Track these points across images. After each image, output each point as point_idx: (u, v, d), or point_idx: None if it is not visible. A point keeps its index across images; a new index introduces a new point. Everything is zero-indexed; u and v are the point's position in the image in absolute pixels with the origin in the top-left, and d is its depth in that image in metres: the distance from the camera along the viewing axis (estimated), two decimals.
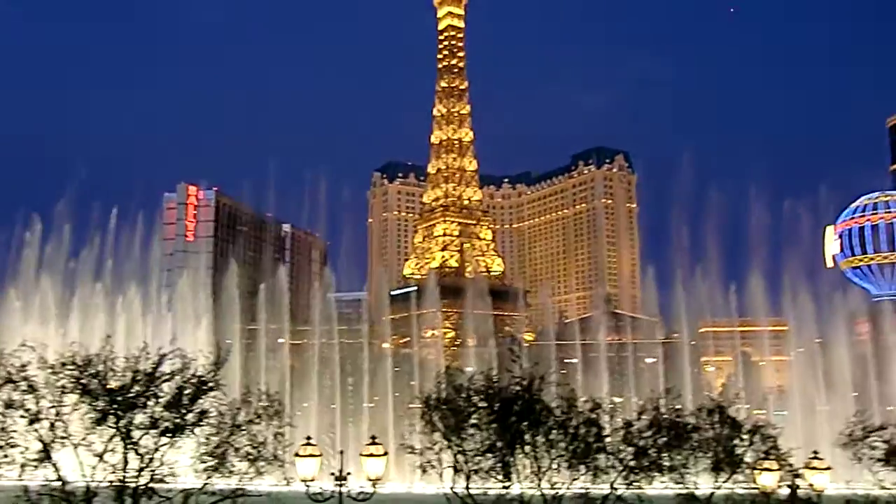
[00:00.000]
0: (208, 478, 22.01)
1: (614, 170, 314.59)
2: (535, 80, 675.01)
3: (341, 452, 27.25)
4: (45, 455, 21.15)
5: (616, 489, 23.03)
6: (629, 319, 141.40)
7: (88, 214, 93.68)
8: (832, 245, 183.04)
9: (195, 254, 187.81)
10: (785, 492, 24.27)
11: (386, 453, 25.38)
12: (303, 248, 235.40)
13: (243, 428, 22.35)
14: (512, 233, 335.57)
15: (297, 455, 24.53)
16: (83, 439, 21.46)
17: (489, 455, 22.80)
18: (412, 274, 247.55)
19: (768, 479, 23.92)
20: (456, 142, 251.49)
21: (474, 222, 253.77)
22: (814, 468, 25.25)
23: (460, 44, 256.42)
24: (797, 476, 24.29)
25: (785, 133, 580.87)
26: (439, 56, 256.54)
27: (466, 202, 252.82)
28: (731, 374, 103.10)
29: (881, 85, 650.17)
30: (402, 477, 60.42)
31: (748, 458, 24.16)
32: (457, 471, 23.08)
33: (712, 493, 23.99)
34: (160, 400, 21.84)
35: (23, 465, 20.85)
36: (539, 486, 22.90)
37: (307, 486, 24.24)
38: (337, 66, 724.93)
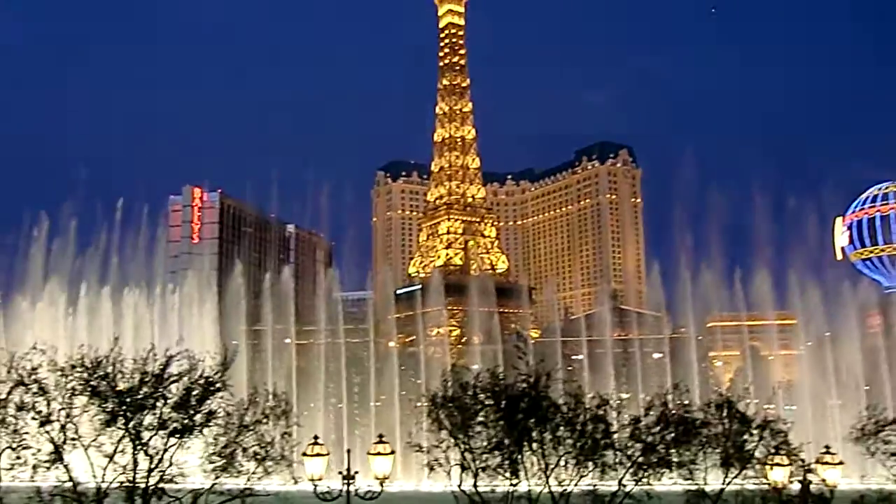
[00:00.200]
0: (217, 478, 22.19)
1: (618, 165, 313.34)
2: (536, 77, 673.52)
3: (348, 451, 27.24)
4: (57, 456, 21.37)
5: (624, 486, 22.97)
6: (635, 315, 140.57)
7: (91, 217, 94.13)
8: (841, 237, 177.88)
9: (200, 255, 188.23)
10: (796, 487, 24.02)
11: (393, 452, 25.36)
12: (307, 248, 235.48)
13: (251, 428, 22.52)
14: (516, 230, 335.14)
15: (304, 454, 24.60)
16: (93, 441, 21.65)
17: (496, 453, 22.79)
18: (417, 272, 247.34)
19: (779, 475, 23.71)
20: (459, 139, 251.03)
21: (478, 220, 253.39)
22: (826, 463, 24.98)
23: (461, 41, 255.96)
24: (809, 471, 24.05)
25: (786, 129, 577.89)
26: (440, 54, 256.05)
27: (470, 200, 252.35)
28: (739, 368, 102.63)
29: (882, 85, 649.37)
30: (409, 475, 60.39)
31: (758, 454, 23.99)
32: (464, 469, 23.08)
33: (722, 490, 23.85)
34: (168, 401, 22.06)
35: (35, 467, 21.12)
36: (547, 483, 22.87)
37: (315, 485, 24.28)
38: (338, 65, 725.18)
